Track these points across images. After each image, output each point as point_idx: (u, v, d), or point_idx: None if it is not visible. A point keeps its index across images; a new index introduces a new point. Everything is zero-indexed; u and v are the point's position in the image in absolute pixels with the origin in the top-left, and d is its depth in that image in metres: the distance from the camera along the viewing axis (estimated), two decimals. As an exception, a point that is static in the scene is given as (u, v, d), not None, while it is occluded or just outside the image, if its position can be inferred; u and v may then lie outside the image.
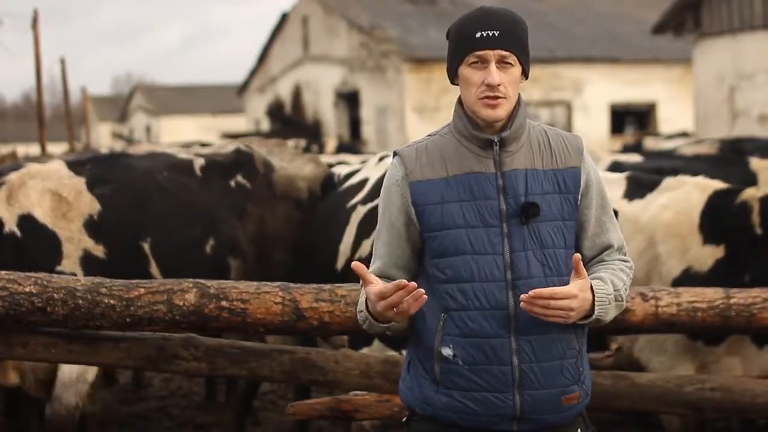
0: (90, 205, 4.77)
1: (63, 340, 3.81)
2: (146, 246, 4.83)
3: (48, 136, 12.76)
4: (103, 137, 44.67)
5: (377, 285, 2.55)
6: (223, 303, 3.64)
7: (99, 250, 4.69)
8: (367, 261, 4.61)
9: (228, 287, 3.70)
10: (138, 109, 50.47)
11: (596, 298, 2.59)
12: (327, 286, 3.75)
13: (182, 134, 37.15)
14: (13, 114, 74.61)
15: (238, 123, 40.54)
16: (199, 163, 5.33)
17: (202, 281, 3.71)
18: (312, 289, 3.72)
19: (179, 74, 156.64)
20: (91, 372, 4.60)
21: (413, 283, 2.48)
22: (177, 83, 57.71)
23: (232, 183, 5.33)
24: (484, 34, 2.60)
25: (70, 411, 4.52)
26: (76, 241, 4.65)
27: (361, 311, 2.69)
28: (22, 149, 23.97)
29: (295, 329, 3.76)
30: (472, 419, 2.65)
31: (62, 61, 16.42)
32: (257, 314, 3.66)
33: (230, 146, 5.68)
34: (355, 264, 2.55)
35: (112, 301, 3.61)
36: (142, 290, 3.63)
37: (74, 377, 4.55)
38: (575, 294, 2.54)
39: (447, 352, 2.64)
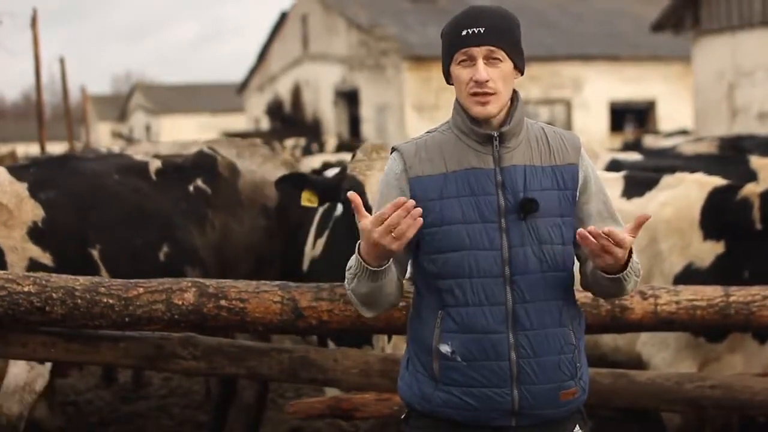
0: (33, 211, 4.43)
1: (62, 339, 3.81)
2: (95, 253, 4.56)
3: (48, 136, 12.76)
4: (102, 136, 44.64)
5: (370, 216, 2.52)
6: (222, 302, 3.63)
7: (46, 258, 4.37)
8: (323, 260, 4.56)
9: (227, 286, 3.69)
10: (138, 108, 50.48)
11: (630, 257, 2.66)
12: (326, 285, 3.74)
13: (182, 133, 37.13)
14: (13, 113, 74.61)
15: (237, 122, 40.56)
16: (154, 166, 5.04)
17: (201, 280, 3.71)
18: (311, 288, 3.71)
19: (188, 74, 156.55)
20: (41, 381, 4.35)
21: (411, 201, 2.46)
22: (177, 82, 57.67)
23: (191, 187, 5.04)
24: (470, 32, 2.62)
25: (11, 420, 4.25)
26: (20, 251, 4.32)
27: (350, 268, 2.63)
28: (21, 149, 23.99)
29: (295, 328, 3.76)
30: (471, 415, 2.66)
31: (61, 61, 16.41)
32: (256, 313, 3.65)
33: (193, 148, 5.39)
34: (350, 194, 2.54)
35: (110, 301, 3.60)
36: (141, 290, 3.63)
37: (20, 385, 4.28)
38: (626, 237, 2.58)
39: (445, 348, 2.65)
